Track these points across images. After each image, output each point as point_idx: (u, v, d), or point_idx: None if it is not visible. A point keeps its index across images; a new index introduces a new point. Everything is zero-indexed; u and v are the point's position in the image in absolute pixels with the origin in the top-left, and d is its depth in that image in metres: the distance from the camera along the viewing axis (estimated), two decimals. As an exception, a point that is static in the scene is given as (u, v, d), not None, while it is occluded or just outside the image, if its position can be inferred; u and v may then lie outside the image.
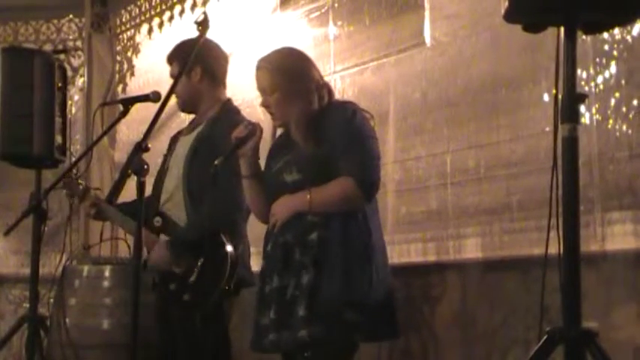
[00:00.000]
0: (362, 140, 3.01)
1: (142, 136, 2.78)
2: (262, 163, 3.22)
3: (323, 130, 3.01)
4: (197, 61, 3.63)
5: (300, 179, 3.01)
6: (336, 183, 2.96)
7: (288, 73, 3.09)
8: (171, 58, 3.77)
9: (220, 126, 3.60)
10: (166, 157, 3.81)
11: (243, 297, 3.63)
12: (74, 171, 3.92)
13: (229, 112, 3.71)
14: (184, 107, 3.81)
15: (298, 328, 2.86)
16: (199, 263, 3.49)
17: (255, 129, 3.09)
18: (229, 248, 3.44)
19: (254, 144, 3.10)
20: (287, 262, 2.96)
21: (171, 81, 3.69)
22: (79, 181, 3.93)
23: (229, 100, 3.79)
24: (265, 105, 3.14)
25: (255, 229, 3.63)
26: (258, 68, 3.15)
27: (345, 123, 3.01)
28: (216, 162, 3.05)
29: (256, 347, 3.05)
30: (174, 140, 3.88)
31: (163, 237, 3.62)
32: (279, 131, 3.23)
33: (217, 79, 3.76)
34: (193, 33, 3.09)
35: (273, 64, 3.12)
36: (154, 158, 3.49)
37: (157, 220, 3.62)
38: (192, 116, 3.88)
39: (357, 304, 2.88)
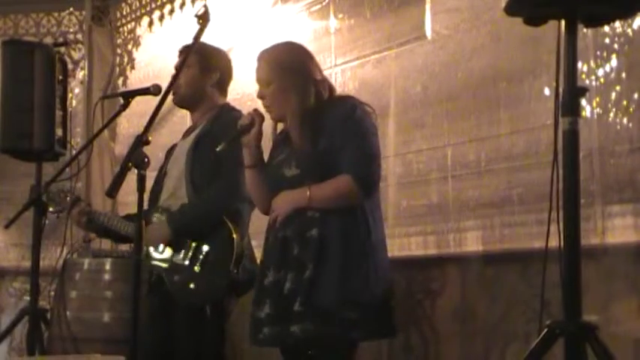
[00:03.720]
0: (361, 136, 2.99)
1: (142, 129, 2.78)
2: (266, 154, 3.22)
3: (321, 126, 3.00)
4: (218, 67, 3.75)
5: (299, 174, 3.01)
6: (335, 181, 2.96)
7: (285, 67, 3.07)
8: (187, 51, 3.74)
9: (220, 122, 3.64)
10: (163, 166, 3.81)
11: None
12: (64, 185, 3.90)
13: (229, 111, 3.74)
14: (182, 100, 3.78)
15: (292, 323, 2.87)
16: (204, 251, 3.49)
17: (256, 117, 3.10)
18: (235, 235, 3.47)
19: (256, 132, 3.11)
20: (284, 257, 2.96)
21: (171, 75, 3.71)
22: (65, 193, 3.92)
23: (227, 103, 3.83)
24: (261, 97, 3.14)
25: (256, 223, 3.63)
26: (258, 59, 3.15)
27: (345, 118, 3.00)
28: (218, 148, 3.08)
29: (253, 341, 3.05)
30: (170, 150, 3.88)
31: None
32: (280, 126, 3.22)
33: (224, 90, 3.83)
34: (194, 26, 3.08)
35: (271, 56, 3.12)
36: (154, 151, 3.50)
37: (157, 217, 3.63)
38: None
39: (354, 302, 2.87)
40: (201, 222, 3.53)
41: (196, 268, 3.48)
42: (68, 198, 3.91)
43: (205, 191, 3.54)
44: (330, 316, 2.86)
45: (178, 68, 3.49)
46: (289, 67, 3.08)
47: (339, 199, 2.95)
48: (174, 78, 3.21)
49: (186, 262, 3.51)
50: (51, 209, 4.02)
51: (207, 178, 3.55)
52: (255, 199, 3.26)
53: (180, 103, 3.82)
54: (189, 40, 3.66)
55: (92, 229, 3.95)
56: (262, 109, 3.16)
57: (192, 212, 3.56)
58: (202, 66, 3.69)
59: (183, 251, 3.53)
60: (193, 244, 3.52)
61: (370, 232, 2.98)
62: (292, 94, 3.04)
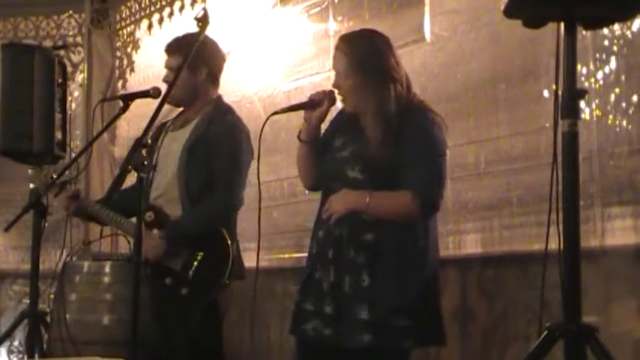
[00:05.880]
0: (432, 157, 2.93)
1: (141, 131, 2.78)
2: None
3: (398, 135, 2.92)
4: (204, 62, 3.68)
5: (363, 180, 2.95)
6: (396, 196, 2.91)
7: (364, 63, 2.98)
8: (173, 50, 3.74)
9: (215, 126, 3.63)
10: (152, 149, 3.78)
11: (239, 293, 3.64)
12: (52, 169, 3.91)
13: (224, 112, 3.73)
14: (179, 102, 3.77)
15: (361, 331, 2.83)
16: (199, 257, 3.49)
17: (327, 99, 3.05)
18: (229, 242, 3.49)
19: (322, 111, 3.06)
20: (339, 257, 2.92)
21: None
22: (53, 176, 3.92)
23: (220, 97, 3.80)
24: (336, 86, 3.05)
25: (250, 226, 3.62)
26: (337, 48, 3.07)
27: (421, 133, 2.93)
28: (275, 112, 3.04)
29: (297, 332, 3.02)
30: (159, 131, 3.83)
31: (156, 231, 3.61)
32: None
33: (217, 80, 3.79)
34: (193, 29, 3.08)
35: (350, 49, 3.02)
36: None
37: (149, 215, 3.60)
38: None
39: (407, 310, 2.85)
40: (197, 232, 3.54)
41: (190, 274, 3.49)
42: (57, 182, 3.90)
43: (202, 202, 3.55)
44: (386, 324, 2.83)
45: (174, 69, 3.49)
46: (367, 63, 2.98)
47: (396, 216, 2.91)
48: (174, 81, 3.20)
49: (180, 268, 3.52)
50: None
51: (203, 187, 3.56)
52: (301, 174, 3.22)
53: (175, 104, 3.82)
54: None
55: (80, 216, 3.98)
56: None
57: (190, 225, 3.57)
58: (190, 65, 3.63)
59: (177, 256, 3.53)
60: (188, 250, 3.52)
61: (427, 239, 2.95)
62: (371, 94, 2.95)
